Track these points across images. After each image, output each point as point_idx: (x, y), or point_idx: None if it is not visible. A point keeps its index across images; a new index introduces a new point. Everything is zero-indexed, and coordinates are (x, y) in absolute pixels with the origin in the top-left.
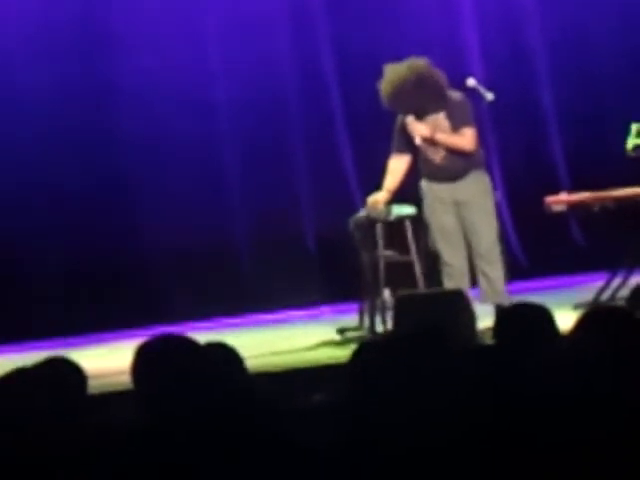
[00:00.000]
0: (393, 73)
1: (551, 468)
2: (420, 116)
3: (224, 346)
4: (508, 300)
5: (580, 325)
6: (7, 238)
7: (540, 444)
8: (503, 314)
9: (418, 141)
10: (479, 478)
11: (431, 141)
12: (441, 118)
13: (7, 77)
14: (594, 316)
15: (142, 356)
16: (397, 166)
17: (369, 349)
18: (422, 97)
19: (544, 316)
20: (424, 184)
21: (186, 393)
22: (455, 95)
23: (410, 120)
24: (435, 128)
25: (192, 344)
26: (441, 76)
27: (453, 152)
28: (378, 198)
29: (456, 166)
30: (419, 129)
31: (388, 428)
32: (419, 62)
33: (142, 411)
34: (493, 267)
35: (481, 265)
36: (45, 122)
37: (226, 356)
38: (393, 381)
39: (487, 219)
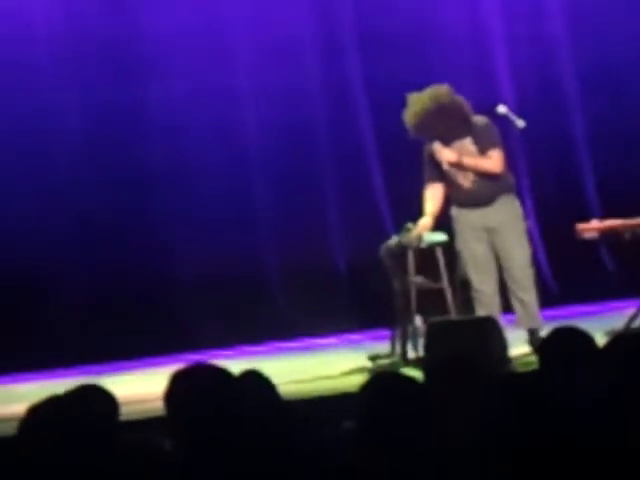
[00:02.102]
0: (415, 103)
1: None
2: (446, 143)
3: (258, 374)
4: (542, 325)
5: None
6: (39, 265)
7: (572, 474)
8: (549, 338)
9: (445, 166)
10: None
11: (459, 166)
12: (467, 143)
13: (38, 101)
14: (619, 344)
15: (177, 384)
16: (434, 193)
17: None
18: (446, 124)
19: (588, 341)
20: (454, 211)
21: (220, 420)
22: (480, 119)
23: (436, 147)
24: (462, 153)
25: (226, 373)
26: (464, 102)
27: (482, 176)
28: (425, 224)
29: (486, 191)
30: (446, 155)
31: (410, 457)
32: (441, 90)
33: (175, 438)
34: (527, 292)
35: (515, 290)
36: (74, 148)
37: (259, 384)
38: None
39: (519, 243)
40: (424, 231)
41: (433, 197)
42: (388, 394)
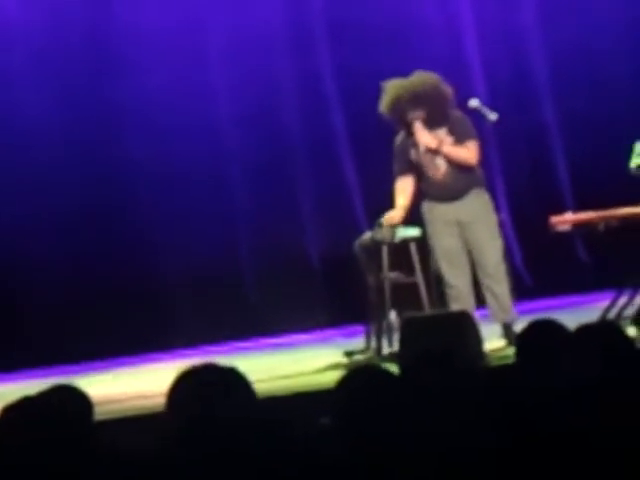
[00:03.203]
0: (396, 87)
1: None
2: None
3: (235, 372)
4: (516, 318)
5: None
6: (15, 264)
7: (551, 466)
8: (527, 331)
9: (422, 149)
10: None
11: (436, 152)
12: (442, 134)
13: (15, 97)
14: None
15: (182, 382)
16: (405, 186)
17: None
18: (433, 108)
19: (565, 334)
20: (426, 205)
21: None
22: (455, 112)
23: (418, 127)
24: (441, 140)
25: (235, 372)
26: (450, 93)
27: (454, 169)
28: (394, 216)
29: (457, 184)
30: (426, 138)
31: (391, 451)
32: (429, 76)
33: (176, 437)
34: (500, 285)
35: (489, 283)
36: (52, 143)
37: (235, 381)
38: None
39: (492, 237)
40: (392, 223)
41: (404, 190)
42: (367, 388)
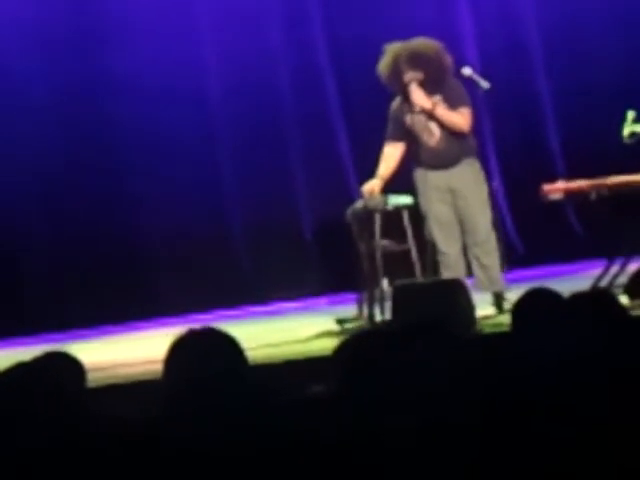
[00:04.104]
0: (417, 42)
1: (554, 458)
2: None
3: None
4: (505, 287)
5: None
6: (6, 233)
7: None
8: (523, 299)
9: (417, 110)
10: (482, 466)
11: (429, 116)
12: (438, 99)
13: (3, 70)
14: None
15: (179, 348)
16: (391, 153)
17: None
18: (431, 72)
19: (561, 303)
20: (418, 172)
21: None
22: (452, 80)
23: (414, 87)
24: (435, 103)
25: (229, 338)
26: (449, 63)
27: (448, 135)
28: (372, 186)
29: (451, 151)
30: (421, 99)
31: (389, 419)
32: (430, 42)
33: (171, 403)
34: (489, 255)
35: (477, 253)
36: (39, 116)
37: (232, 347)
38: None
39: (482, 207)
40: (371, 192)
41: (388, 157)
42: (369, 353)
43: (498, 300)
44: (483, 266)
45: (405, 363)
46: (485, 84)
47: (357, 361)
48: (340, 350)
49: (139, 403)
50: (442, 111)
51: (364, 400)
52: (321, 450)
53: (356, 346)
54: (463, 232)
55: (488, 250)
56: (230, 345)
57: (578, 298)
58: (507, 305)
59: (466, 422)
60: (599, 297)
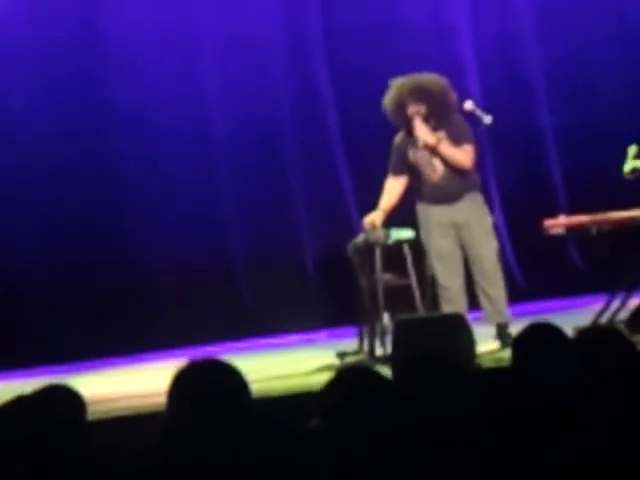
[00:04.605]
0: (400, 86)
1: None
2: None
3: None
4: (510, 320)
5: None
6: (4, 263)
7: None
8: (524, 333)
9: (420, 145)
10: None
11: (433, 150)
12: (441, 136)
13: (4, 100)
14: (587, 337)
15: (182, 378)
16: (393, 186)
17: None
18: (435, 106)
19: (563, 337)
20: (421, 207)
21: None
22: (456, 117)
23: (418, 122)
24: (439, 138)
25: (231, 368)
26: (454, 99)
27: (450, 171)
28: (374, 218)
29: (453, 186)
30: (425, 134)
31: (379, 454)
32: (435, 78)
33: (173, 434)
34: (495, 287)
35: (483, 285)
36: (38, 148)
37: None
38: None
39: (487, 239)
40: (372, 226)
41: (390, 191)
42: (355, 388)
43: (502, 332)
44: (489, 297)
45: (395, 399)
46: (487, 118)
47: (343, 396)
48: (328, 385)
49: (139, 436)
50: (445, 147)
51: (349, 435)
52: None
53: (343, 382)
54: (469, 263)
55: (494, 281)
56: (233, 377)
57: (584, 334)
58: (510, 338)
59: (466, 456)
60: (605, 332)
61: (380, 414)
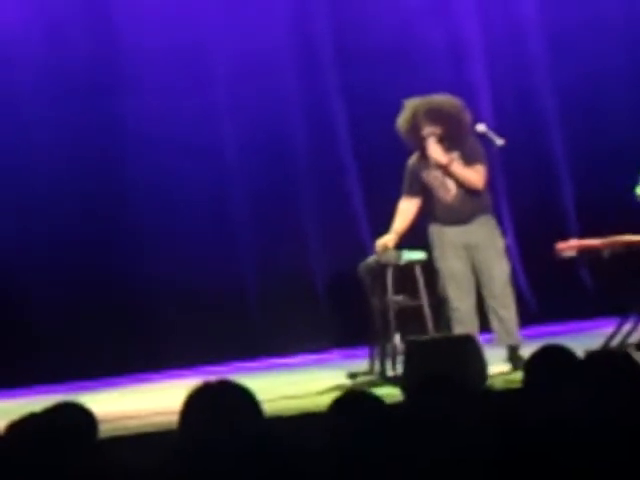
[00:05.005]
0: (414, 106)
1: None
2: None
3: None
4: (521, 342)
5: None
6: (16, 282)
7: None
8: (536, 355)
9: (433, 166)
10: None
11: (446, 170)
12: (454, 156)
13: (15, 116)
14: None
15: (194, 399)
16: (407, 208)
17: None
18: (449, 128)
19: (575, 360)
20: (433, 228)
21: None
22: (470, 139)
23: (431, 142)
24: (452, 159)
25: (243, 390)
26: (468, 120)
27: (463, 193)
28: (387, 241)
29: (466, 207)
30: (437, 154)
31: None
32: (450, 99)
33: (186, 454)
34: (506, 308)
35: (495, 307)
36: (52, 162)
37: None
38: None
39: (499, 260)
40: (384, 248)
41: (404, 213)
42: (354, 412)
43: (513, 354)
44: (500, 319)
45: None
46: (499, 141)
47: (343, 419)
48: (330, 408)
49: (150, 454)
50: (457, 168)
51: (350, 457)
52: None
53: (343, 405)
54: (480, 285)
55: (505, 303)
56: (246, 397)
57: (595, 357)
58: (520, 361)
59: (476, 477)
60: (615, 356)
61: (377, 437)
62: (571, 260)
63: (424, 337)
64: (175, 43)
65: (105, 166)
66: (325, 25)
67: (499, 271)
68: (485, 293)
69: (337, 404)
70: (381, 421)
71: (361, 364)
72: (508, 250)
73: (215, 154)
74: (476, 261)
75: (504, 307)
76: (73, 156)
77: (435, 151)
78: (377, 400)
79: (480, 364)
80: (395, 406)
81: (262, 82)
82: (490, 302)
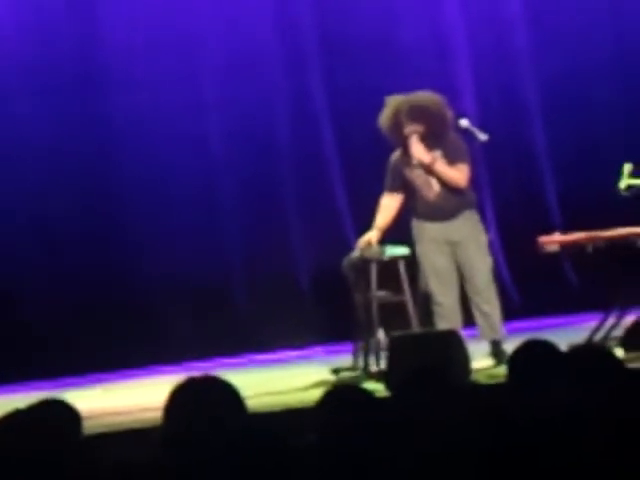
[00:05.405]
0: (396, 104)
1: None
2: None
3: (229, 385)
4: (504, 336)
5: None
6: (4, 278)
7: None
8: (520, 350)
9: (415, 162)
10: None
11: (428, 169)
12: (437, 154)
13: (4, 112)
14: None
15: (178, 395)
16: (389, 204)
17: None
18: (431, 126)
19: (559, 354)
20: (416, 224)
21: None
22: (452, 135)
23: (414, 141)
24: (435, 158)
25: (226, 385)
26: (450, 117)
27: (446, 190)
28: (370, 237)
29: (449, 205)
30: (420, 153)
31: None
32: (431, 96)
33: (170, 449)
34: (489, 303)
35: (478, 302)
36: (42, 158)
37: (230, 395)
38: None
39: (482, 256)
40: (367, 246)
41: (386, 209)
42: (344, 407)
43: (496, 349)
44: (483, 314)
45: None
46: (482, 136)
47: (334, 413)
48: (320, 402)
49: (136, 450)
50: (440, 166)
51: (341, 451)
52: None
53: (334, 399)
54: (463, 280)
55: (488, 298)
56: (229, 393)
57: (575, 351)
58: (504, 356)
59: (460, 470)
60: (595, 351)
61: (367, 431)
62: (554, 254)
63: (408, 332)
64: (162, 37)
65: (92, 159)
66: (310, 18)
67: (482, 267)
68: (468, 289)
69: (328, 398)
70: (372, 416)
71: (345, 360)
72: (491, 244)
73: (200, 147)
74: (459, 257)
75: (487, 302)
76: (61, 150)
77: (418, 150)
78: (368, 394)
79: (464, 359)
80: (379, 401)
81: (248, 75)
82: (473, 297)
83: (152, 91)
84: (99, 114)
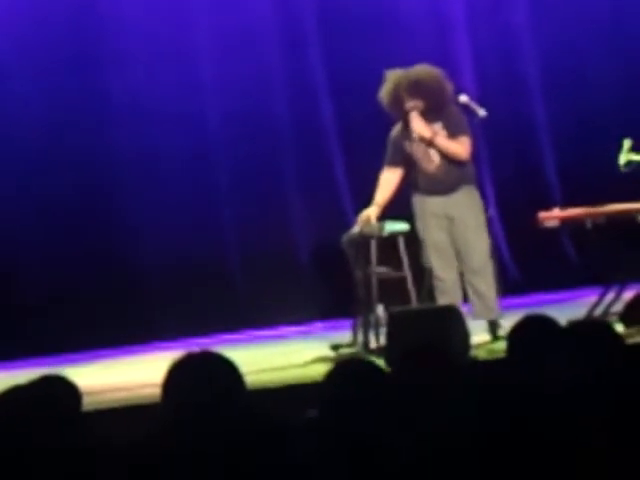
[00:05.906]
0: (397, 78)
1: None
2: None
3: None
4: (500, 315)
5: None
6: (4, 254)
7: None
8: (520, 325)
9: (415, 137)
10: None
11: (429, 143)
12: (438, 127)
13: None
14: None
15: (176, 370)
16: (389, 179)
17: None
18: (431, 100)
19: (558, 329)
20: (416, 198)
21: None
22: (452, 108)
23: (414, 115)
24: (435, 132)
25: (225, 360)
26: (450, 90)
27: (447, 163)
28: (369, 213)
29: (449, 178)
30: (421, 128)
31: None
32: (430, 69)
33: (169, 425)
34: (485, 283)
35: (473, 281)
36: (37, 134)
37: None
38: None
39: (479, 235)
40: (366, 222)
41: (386, 184)
42: (353, 380)
43: (493, 327)
44: (479, 294)
45: (392, 391)
46: (482, 112)
47: (341, 388)
48: (327, 377)
49: (135, 427)
50: (441, 140)
51: (347, 427)
52: (314, 474)
53: (341, 373)
54: (459, 259)
55: (484, 278)
56: (228, 369)
57: (575, 326)
58: (502, 332)
59: (461, 446)
60: (595, 325)
61: (375, 406)
62: (554, 230)
63: (407, 308)
64: (159, 15)
65: (89, 138)
66: None
67: (478, 246)
68: (463, 267)
69: (337, 370)
70: (381, 389)
71: (344, 336)
72: (490, 221)
73: (198, 125)
74: (456, 235)
75: (483, 282)
76: (58, 129)
77: (418, 125)
78: (378, 369)
79: (463, 334)
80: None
81: (245, 53)
82: (468, 277)
83: (150, 68)
84: (97, 92)
